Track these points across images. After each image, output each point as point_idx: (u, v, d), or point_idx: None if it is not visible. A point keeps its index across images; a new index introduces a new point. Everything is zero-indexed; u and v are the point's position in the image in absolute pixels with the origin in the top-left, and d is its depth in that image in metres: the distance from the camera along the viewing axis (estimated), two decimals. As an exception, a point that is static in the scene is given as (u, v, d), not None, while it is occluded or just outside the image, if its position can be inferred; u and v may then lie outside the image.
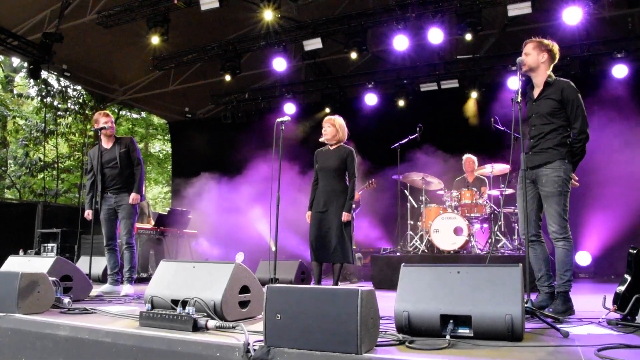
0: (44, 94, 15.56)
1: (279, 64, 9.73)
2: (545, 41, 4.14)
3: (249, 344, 2.51)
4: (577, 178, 4.12)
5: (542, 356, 2.45)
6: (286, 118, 5.45)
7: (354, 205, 8.09)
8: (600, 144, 8.20)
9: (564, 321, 3.47)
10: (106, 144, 5.94)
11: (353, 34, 8.95)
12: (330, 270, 5.73)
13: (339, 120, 5.71)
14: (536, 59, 4.09)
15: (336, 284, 5.50)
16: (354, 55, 9.22)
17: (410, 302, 2.87)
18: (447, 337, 2.64)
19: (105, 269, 6.13)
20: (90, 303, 4.40)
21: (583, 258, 8.96)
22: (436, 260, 6.94)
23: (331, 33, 9.27)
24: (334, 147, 5.67)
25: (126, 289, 5.64)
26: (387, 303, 3.17)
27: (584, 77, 9.07)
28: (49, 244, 9.60)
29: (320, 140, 5.73)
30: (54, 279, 3.93)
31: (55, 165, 16.51)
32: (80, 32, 9.64)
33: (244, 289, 3.56)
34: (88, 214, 5.92)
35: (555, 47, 4.16)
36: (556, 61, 4.20)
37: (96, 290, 5.35)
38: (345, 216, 5.44)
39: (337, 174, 5.57)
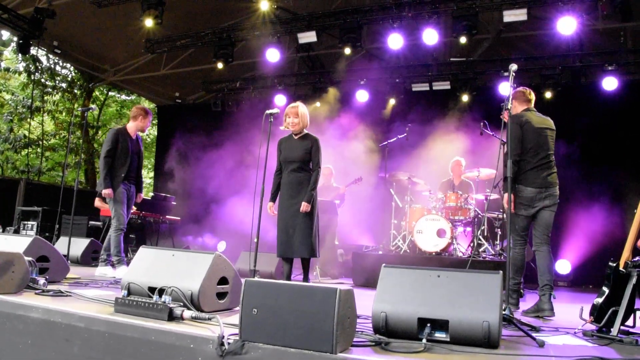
0: (32, 69, 15.32)
1: (272, 55, 9.63)
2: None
3: (223, 337, 2.49)
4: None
5: (516, 364, 2.46)
6: (275, 110, 5.34)
7: (337, 201, 8.15)
8: (583, 154, 8.31)
9: (540, 330, 3.50)
10: (133, 134, 6.11)
11: (348, 30, 8.88)
12: (307, 265, 5.54)
13: (302, 108, 5.38)
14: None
15: (306, 279, 5.28)
16: (347, 50, 9.18)
17: (388, 303, 2.86)
18: (424, 340, 2.65)
19: (86, 251, 6.08)
20: (66, 285, 4.35)
21: (563, 266, 9.04)
22: (417, 261, 6.94)
23: (326, 27, 9.20)
24: (298, 136, 5.37)
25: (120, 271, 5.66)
26: (366, 301, 3.15)
27: (574, 87, 9.13)
28: (29, 222, 9.49)
29: (282, 128, 5.48)
30: (30, 259, 3.88)
31: (40, 143, 16.30)
32: (74, 9, 9.46)
33: (223, 280, 3.53)
34: (110, 192, 5.82)
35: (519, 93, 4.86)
36: (528, 99, 4.84)
37: (77, 272, 5.28)
38: (304, 206, 5.11)
39: (302, 164, 5.29)
